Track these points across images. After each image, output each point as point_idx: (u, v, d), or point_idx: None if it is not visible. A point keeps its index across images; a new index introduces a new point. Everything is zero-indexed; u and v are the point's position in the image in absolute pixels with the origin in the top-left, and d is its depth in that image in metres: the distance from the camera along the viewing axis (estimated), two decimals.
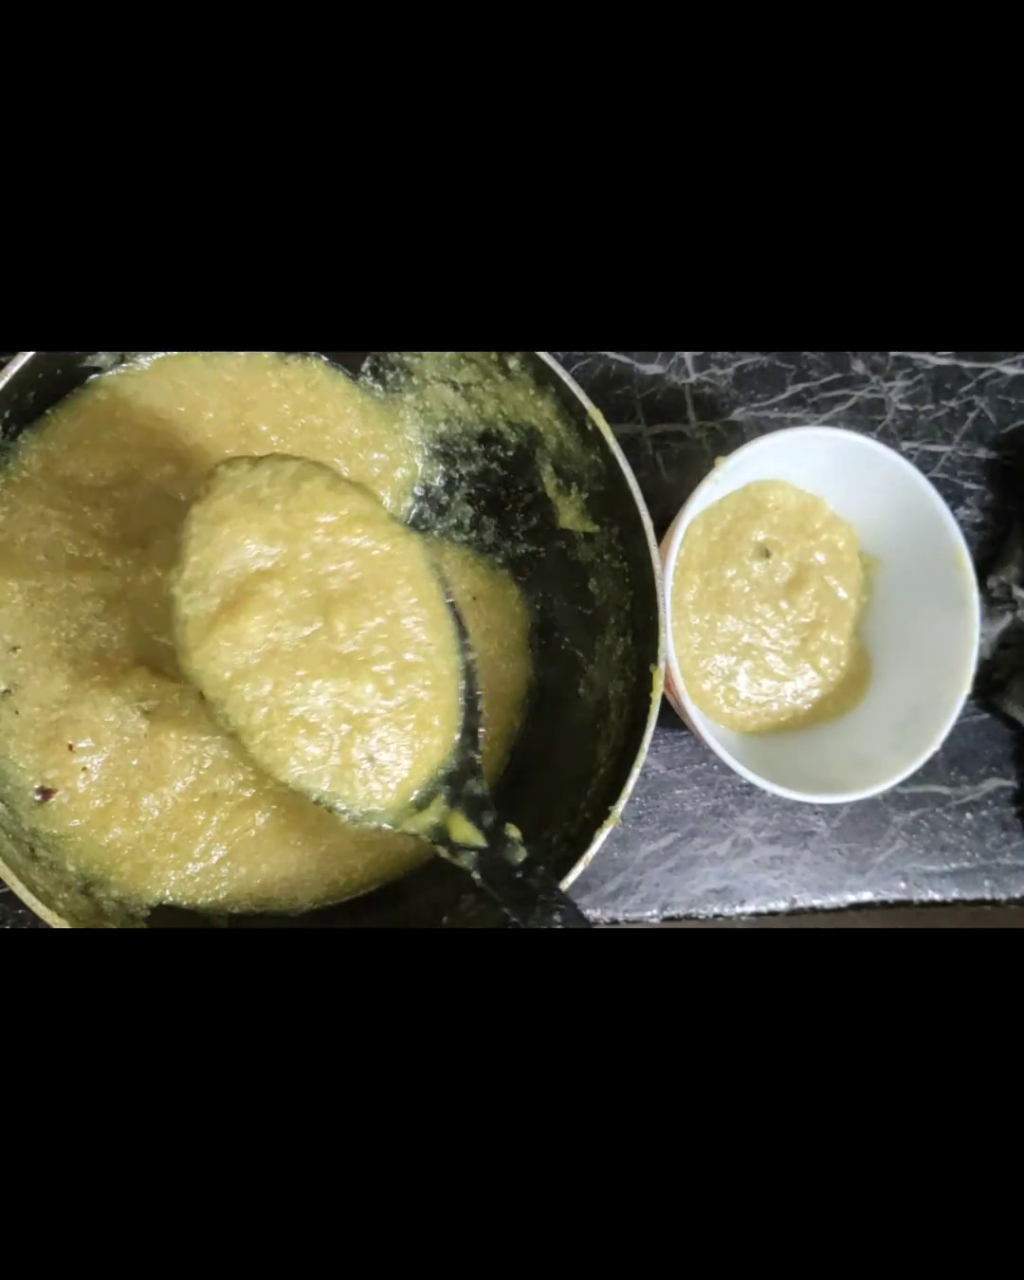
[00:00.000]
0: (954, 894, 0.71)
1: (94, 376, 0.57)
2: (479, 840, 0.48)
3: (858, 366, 0.72)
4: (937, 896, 0.70)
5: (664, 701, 0.56)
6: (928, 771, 0.66)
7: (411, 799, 0.48)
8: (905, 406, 0.73)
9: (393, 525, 0.48)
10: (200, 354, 0.58)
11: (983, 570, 0.71)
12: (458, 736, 0.49)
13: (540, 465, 0.62)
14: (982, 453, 0.74)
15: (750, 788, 0.66)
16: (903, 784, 0.63)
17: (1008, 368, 0.75)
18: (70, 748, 0.54)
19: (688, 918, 0.66)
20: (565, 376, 0.56)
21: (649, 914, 0.66)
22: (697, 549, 0.65)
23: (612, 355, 0.69)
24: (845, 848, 0.69)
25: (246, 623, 0.44)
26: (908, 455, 0.65)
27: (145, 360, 0.58)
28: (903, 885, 0.70)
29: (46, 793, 0.53)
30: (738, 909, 0.67)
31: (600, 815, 0.54)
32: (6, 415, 0.53)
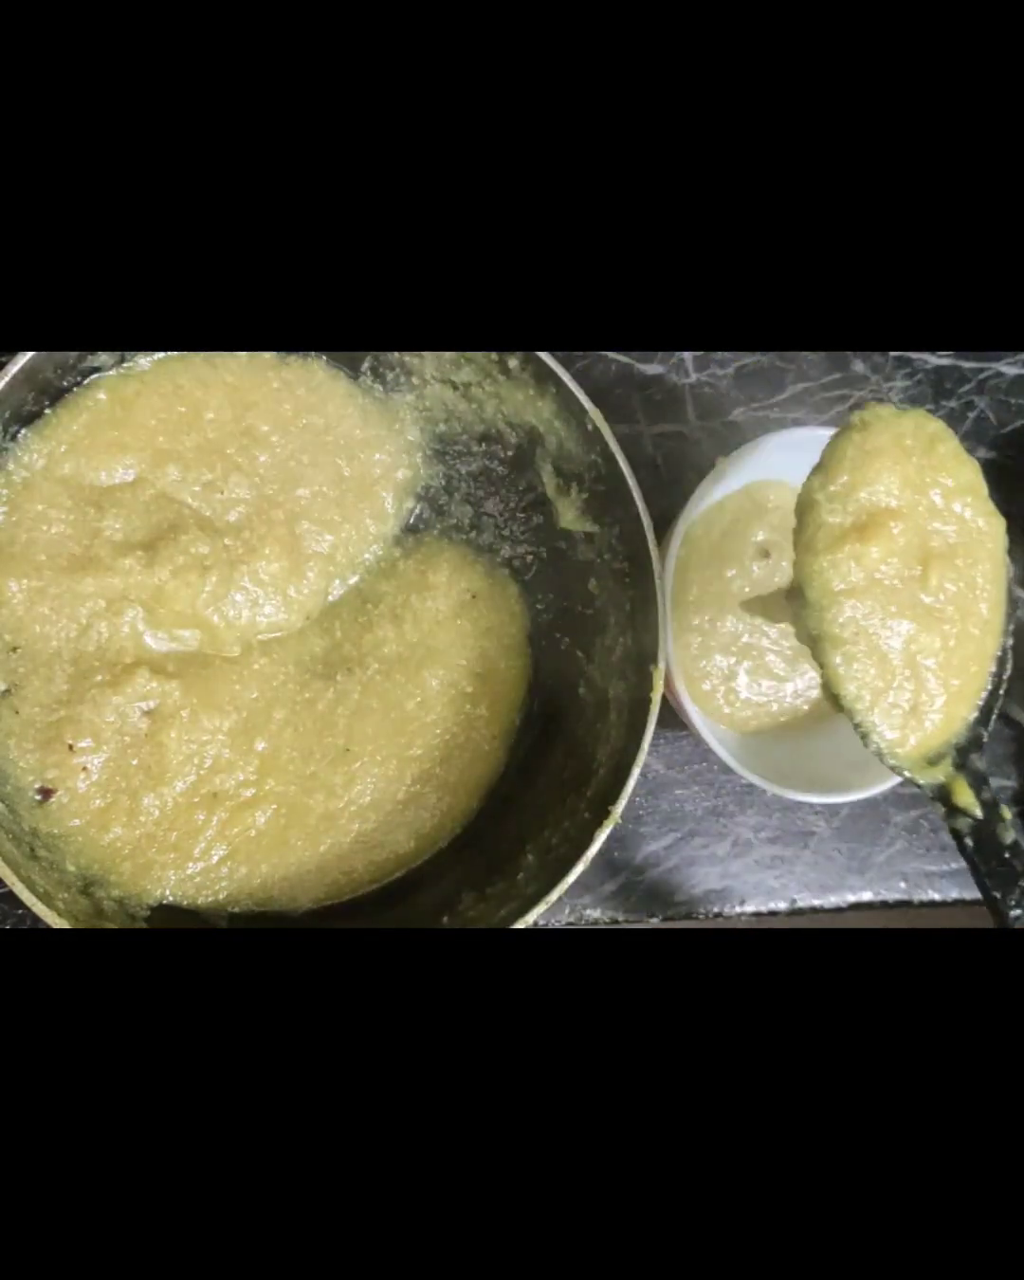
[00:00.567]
0: (954, 894, 0.71)
1: (94, 376, 0.57)
2: (976, 811, 0.51)
3: (858, 366, 0.72)
4: (937, 896, 0.70)
5: (664, 701, 0.56)
6: None
7: (926, 753, 0.51)
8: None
9: (990, 504, 0.52)
10: (201, 354, 0.58)
11: None
12: (976, 713, 0.52)
13: (540, 465, 0.62)
14: (982, 453, 0.74)
15: (750, 788, 0.66)
16: (903, 784, 0.63)
17: (1008, 368, 0.75)
18: (70, 748, 0.54)
19: (688, 918, 0.66)
20: (565, 376, 0.56)
21: (649, 914, 0.66)
22: (697, 549, 0.65)
23: (612, 355, 0.69)
24: (845, 848, 0.69)
25: (870, 547, 0.48)
26: None
27: (145, 360, 0.58)
28: (903, 885, 0.70)
29: (46, 793, 0.53)
30: (738, 909, 0.67)
31: (600, 815, 0.54)
32: (6, 415, 0.53)
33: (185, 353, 0.58)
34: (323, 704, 0.59)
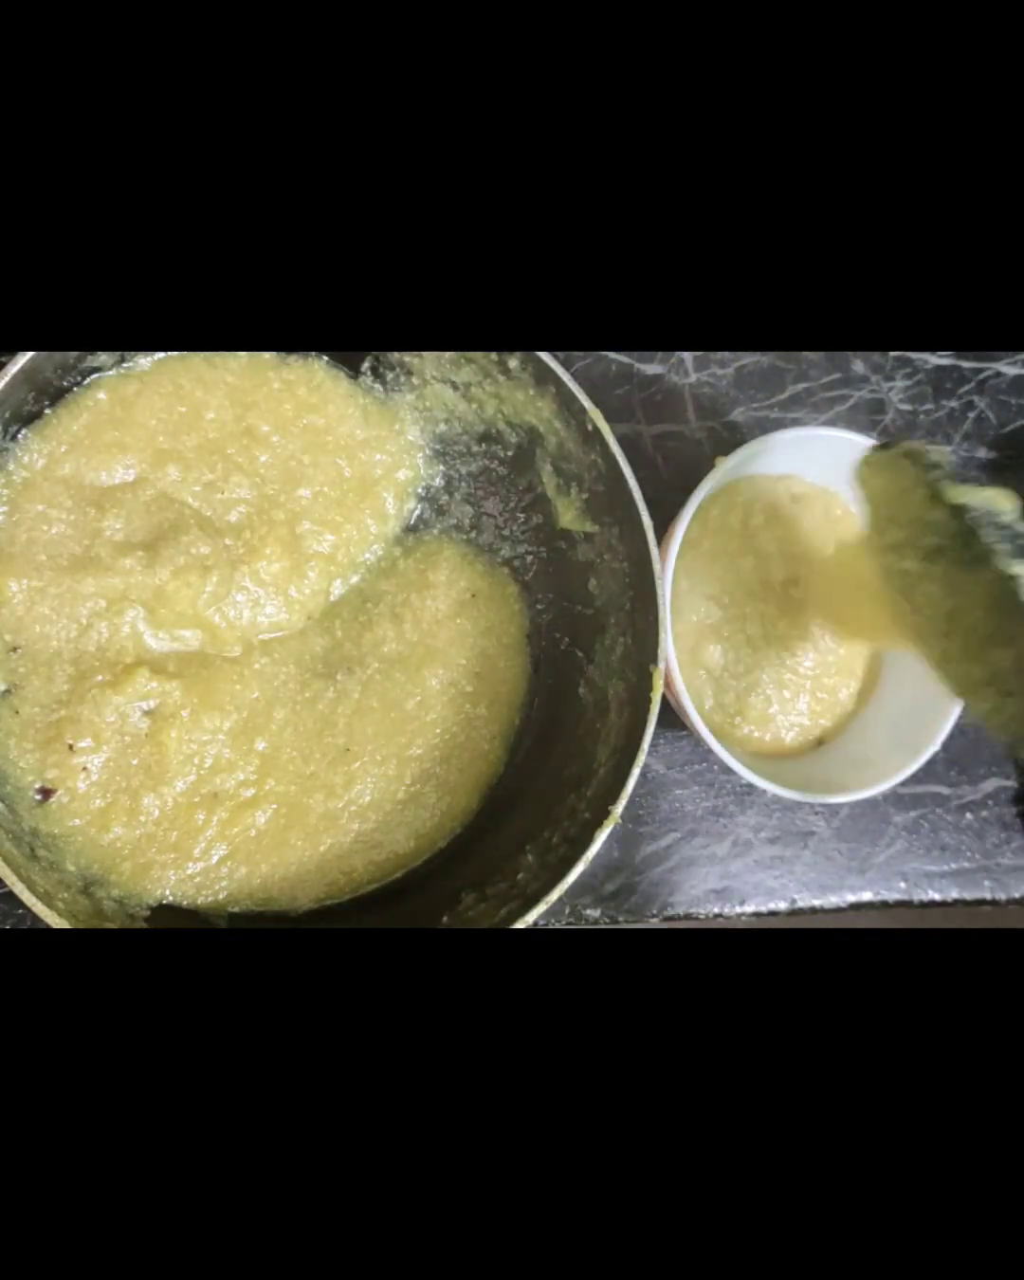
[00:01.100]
0: (954, 894, 0.71)
1: (94, 376, 0.57)
2: None
3: (858, 366, 0.72)
4: (937, 896, 0.70)
5: (664, 701, 0.56)
6: (928, 771, 0.66)
7: None
8: (905, 406, 0.73)
9: None
10: (201, 354, 0.58)
11: None
12: None
13: (540, 465, 0.62)
14: (982, 453, 0.74)
15: (750, 788, 0.66)
16: (903, 784, 0.63)
17: (1008, 368, 0.75)
18: (70, 747, 0.54)
19: (688, 917, 0.66)
20: (565, 376, 0.56)
21: (649, 914, 0.66)
22: (697, 549, 0.65)
23: (612, 355, 0.69)
24: (845, 848, 0.69)
25: None
26: None
27: (145, 360, 0.58)
28: (903, 885, 0.70)
29: (47, 793, 0.54)
30: (738, 909, 0.67)
31: (600, 815, 0.54)
32: (6, 415, 0.53)
33: (185, 353, 0.58)
34: (323, 703, 0.59)
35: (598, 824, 0.53)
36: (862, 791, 0.61)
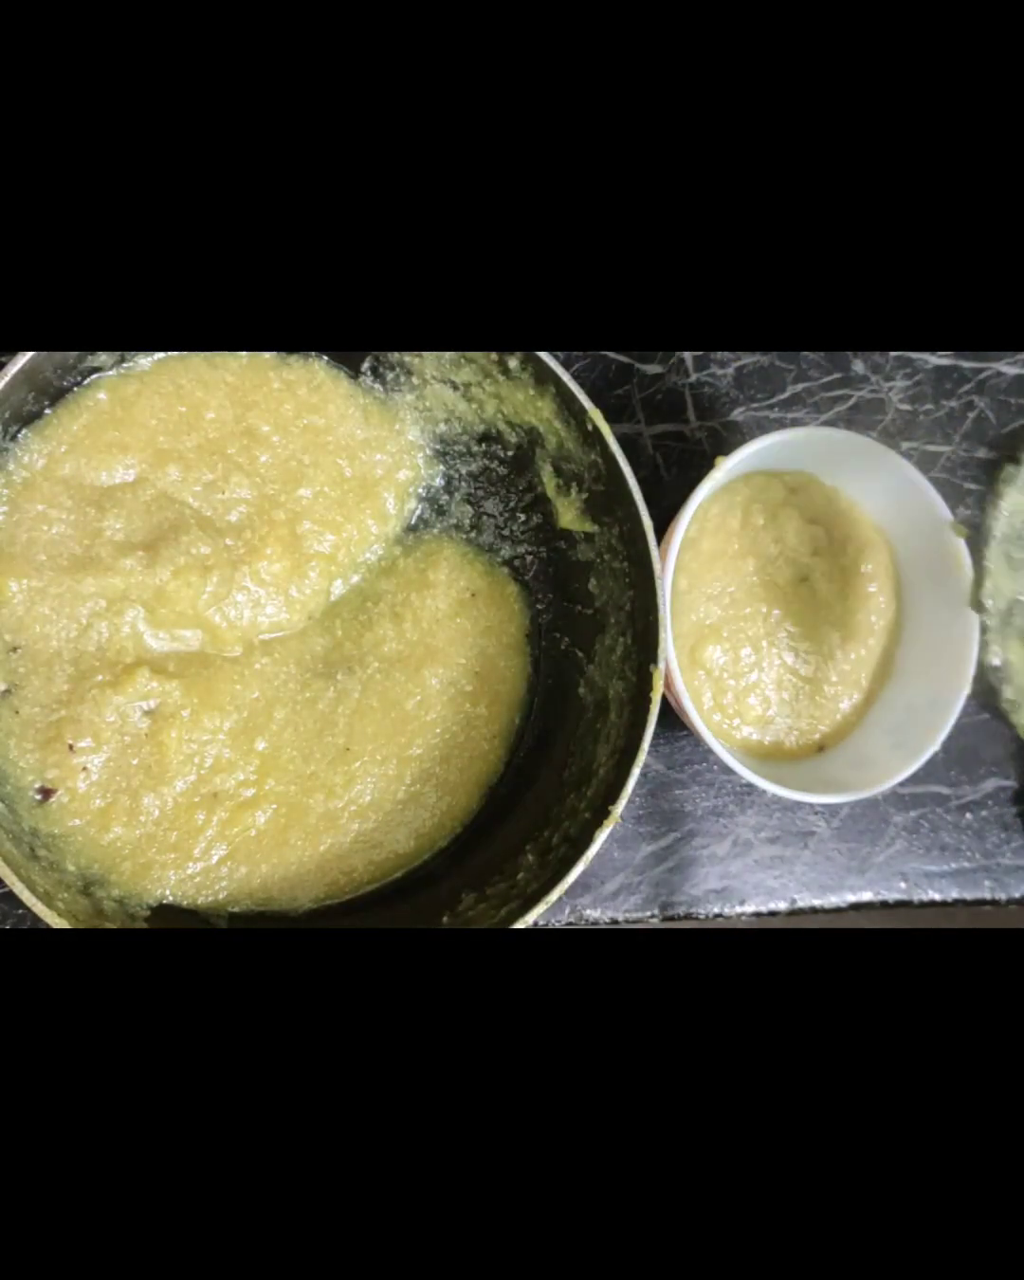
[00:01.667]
0: (954, 894, 0.71)
1: (94, 376, 0.57)
2: None
3: (858, 366, 0.72)
4: (937, 896, 0.70)
5: (664, 701, 0.56)
6: (928, 771, 0.66)
7: None
8: (905, 406, 0.73)
9: None
10: (201, 354, 0.58)
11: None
12: None
13: (540, 465, 0.62)
14: (982, 453, 0.74)
15: (750, 788, 0.66)
16: (903, 784, 0.63)
17: (1008, 368, 0.75)
18: (70, 748, 0.54)
19: (688, 918, 0.66)
20: (565, 376, 0.56)
21: (649, 914, 0.66)
22: (697, 549, 0.65)
23: (612, 355, 0.69)
24: (845, 848, 0.69)
25: None
26: (908, 455, 0.65)
27: (145, 360, 0.58)
28: (903, 885, 0.70)
29: (47, 793, 0.54)
30: (738, 909, 0.67)
31: (600, 815, 0.54)
32: (6, 415, 0.53)
33: (185, 353, 0.58)
34: (323, 703, 0.59)
35: (598, 824, 0.53)
36: (862, 791, 0.61)
